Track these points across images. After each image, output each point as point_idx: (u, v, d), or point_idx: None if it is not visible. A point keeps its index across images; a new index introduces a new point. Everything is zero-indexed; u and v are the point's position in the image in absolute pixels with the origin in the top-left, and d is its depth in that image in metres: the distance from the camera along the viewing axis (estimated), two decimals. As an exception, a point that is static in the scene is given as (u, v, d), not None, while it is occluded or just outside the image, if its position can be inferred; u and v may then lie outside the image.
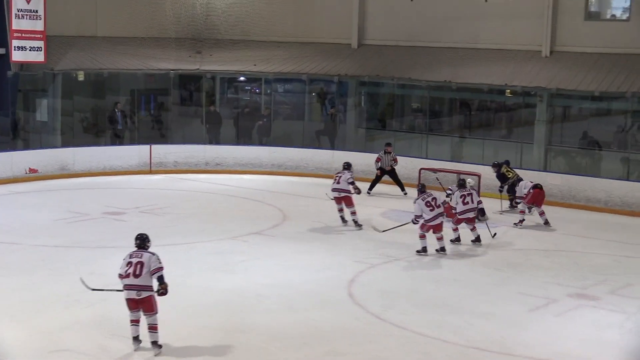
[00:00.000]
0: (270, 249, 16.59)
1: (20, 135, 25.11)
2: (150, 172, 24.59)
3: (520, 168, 22.54)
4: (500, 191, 20.82)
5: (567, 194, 22.12)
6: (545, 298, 14.02)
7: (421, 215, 16.31)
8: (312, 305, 13.31)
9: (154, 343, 11.10)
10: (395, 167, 22.65)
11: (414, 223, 16.49)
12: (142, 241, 11.39)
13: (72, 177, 23.31)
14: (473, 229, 17.47)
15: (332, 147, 26.08)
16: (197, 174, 24.61)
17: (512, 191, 20.62)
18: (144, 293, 11.04)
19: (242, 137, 26.93)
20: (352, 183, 18.59)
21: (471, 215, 17.42)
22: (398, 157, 22.69)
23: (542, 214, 19.45)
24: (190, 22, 28.51)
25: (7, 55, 23.86)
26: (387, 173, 22.60)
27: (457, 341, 11.95)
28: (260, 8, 28.46)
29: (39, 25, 23.92)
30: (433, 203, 16.41)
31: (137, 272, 11.02)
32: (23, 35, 23.63)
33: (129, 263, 11.11)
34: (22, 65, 24.48)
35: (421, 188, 16.91)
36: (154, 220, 18.67)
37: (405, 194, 22.15)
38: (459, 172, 20.71)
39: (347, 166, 19.15)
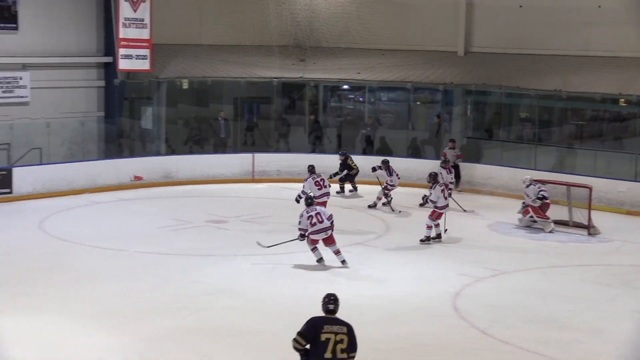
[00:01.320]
0: (373, 260, 16.36)
1: (126, 143, 25.48)
2: (253, 180, 24.62)
3: (635, 180, 21.69)
4: (331, 176, 22.06)
5: (685, 208, 21.17)
6: (661, 318, 13.39)
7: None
8: (416, 318, 13.07)
9: (343, 262, 15.55)
10: (459, 163, 23.07)
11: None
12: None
13: (175, 184, 23.52)
14: (437, 225, 17.63)
15: (437, 157, 25.61)
16: (300, 183, 24.39)
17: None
18: (329, 232, 15.23)
19: (345, 146, 26.70)
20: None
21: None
22: (506, 168, 22.22)
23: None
24: (294, 30, 28.51)
25: (114, 63, 24.25)
26: (452, 167, 22.61)
27: (565, 358, 11.55)
28: (364, 16, 28.23)
29: (145, 34, 24.25)
30: (321, 183, 18.82)
31: (320, 219, 15.22)
32: (130, 43, 23.99)
33: (310, 217, 15.25)
34: (129, 73, 24.87)
35: (311, 169, 19.52)
36: (256, 229, 18.63)
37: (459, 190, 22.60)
38: (568, 184, 20.04)
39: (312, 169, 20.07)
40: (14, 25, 23.04)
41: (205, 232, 18.40)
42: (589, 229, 18.88)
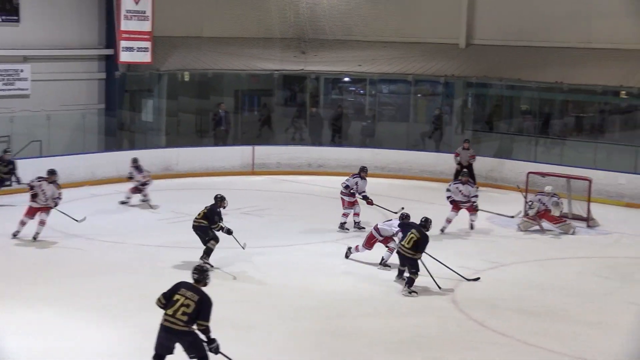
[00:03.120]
0: (371, 253, 16.26)
1: (126, 135, 25.48)
2: (253, 173, 24.62)
3: (635, 173, 21.68)
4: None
5: (684, 200, 21.19)
6: (659, 309, 13.39)
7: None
8: (414, 310, 13.07)
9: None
10: (472, 163, 22.73)
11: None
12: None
13: (175, 177, 23.51)
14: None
15: (437, 150, 25.60)
16: (299, 176, 24.50)
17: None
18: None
19: (344, 138, 26.71)
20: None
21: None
22: (504, 160, 22.21)
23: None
24: (295, 22, 28.48)
25: (115, 56, 24.24)
26: (465, 168, 22.32)
27: (562, 350, 11.56)
28: (365, 8, 28.21)
29: (146, 26, 24.23)
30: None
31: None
32: (131, 36, 23.99)
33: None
34: (129, 65, 24.85)
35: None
36: (255, 222, 18.67)
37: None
38: (568, 177, 20.01)
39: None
40: (16, 17, 23.01)
41: (205, 225, 18.34)
42: (588, 221, 18.88)
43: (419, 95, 27.69)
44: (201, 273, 9.64)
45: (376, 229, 15.35)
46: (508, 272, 15.43)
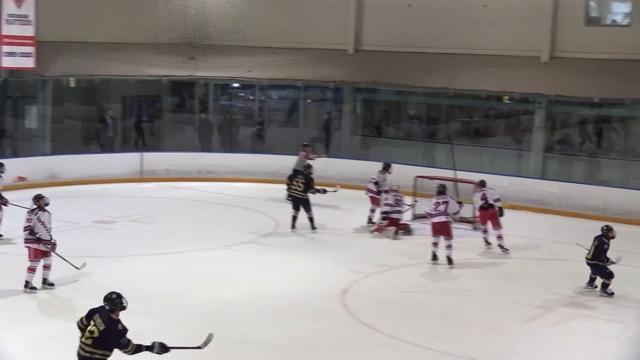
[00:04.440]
0: (263, 258, 16.33)
1: (9, 143, 24.77)
2: (142, 180, 24.26)
3: (519, 176, 22.28)
4: None
5: (564, 202, 21.92)
6: (541, 308, 13.81)
7: None
8: (305, 315, 13.07)
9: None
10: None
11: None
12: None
13: (61, 185, 22.87)
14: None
15: (327, 155, 25.75)
16: (189, 182, 24.27)
17: None
18: None
19: (235, 145, 26.64)
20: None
21: None
22: (394, 164, 22.39)
23: (499, 237, 17.76)
24: (184, 28, 28.20)
25: (-3, 61, 23.56)
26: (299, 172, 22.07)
27: (451, 351, 11.72)
28: (255, 14, 28.13)
29: (29, 31, 23.60)
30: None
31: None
32: (13, 40, 23.32)
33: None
34: (12, 71, 24.15)
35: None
36: (144, 229, 18.42)
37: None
38: (455, 180, 20.40)
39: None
40: None
41: (92, 233, 18.01)
42: (473, 223, 19.30)
43: (308, 100, 27.84)
44: (112, 302, 9.13)
45: None
46: (397, 275, 15.61)
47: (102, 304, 9.14)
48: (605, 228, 14.72)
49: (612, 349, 12.10)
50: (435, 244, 16.48)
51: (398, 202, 18.93)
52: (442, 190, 17.03)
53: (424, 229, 19.24)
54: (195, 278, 14.88)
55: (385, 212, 18.82)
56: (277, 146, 26.14)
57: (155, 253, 16.11)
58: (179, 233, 18.24)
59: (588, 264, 14.65)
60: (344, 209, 20.14)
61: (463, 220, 19.45)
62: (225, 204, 21.58)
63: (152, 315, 12.61)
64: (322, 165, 24.25)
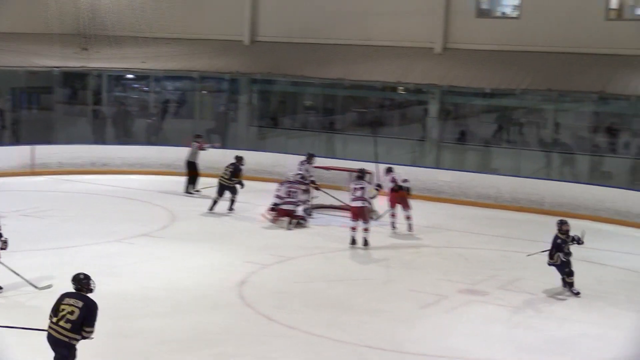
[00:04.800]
0: (158, 251, 16.13)
1: None
2: (33, 173, 23.66)
3: (415, 165, 22.60)
4: None
5: (457, 191, 22.36)
6: (436, 294, 14.02)
7: None
8: (201, 307, 12.96)
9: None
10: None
11: None
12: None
13: (-53, 179, 22.27)
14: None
15: (221, 145, 25.60)
16: (83, 175, 23.82)
17: None
18: None
19: (128, 136, 26.24)
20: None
21: None
22: (291, 155, 22.49)
23: (407, 217, 18.66)
24: (76, 18, 27.58)
25: None
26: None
27: (347, 339, 11.78)
28: (148, 4, 27.64)
29: None
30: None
31: None
32: None
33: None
34: None
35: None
36: (35, 224, 17.95)
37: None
38: (350, 170, 20.53)
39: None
40: None
41: (-19, 228, 17.47)
42: (340, 209, 19.66)
43: (204, 92, 27.63)
44: (80, 282, 9.53)
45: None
46: (295, 265, 15.65)
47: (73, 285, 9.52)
48: (558, 222, 14.33)
49: (502, 333, 12.36)
50: (353, 229, 16.98)
51: (290, 194, 18.92)
52: (360, 176, 17.48)
53: (321, 218, 19.52)
54: (90, 272, 14.50)
55: (275, 204, 18.84)
56: (173, 137, 25.86)
57: (48, 248, 15.74)
58: (73, 227, 17.88)
59: (550, 265, 14.30)
60: (239, 201, 20.04)
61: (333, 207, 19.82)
62: (120, 197, 21.23)
63: (45, 310, 12.32)
64: (218, 157, 24.13)
